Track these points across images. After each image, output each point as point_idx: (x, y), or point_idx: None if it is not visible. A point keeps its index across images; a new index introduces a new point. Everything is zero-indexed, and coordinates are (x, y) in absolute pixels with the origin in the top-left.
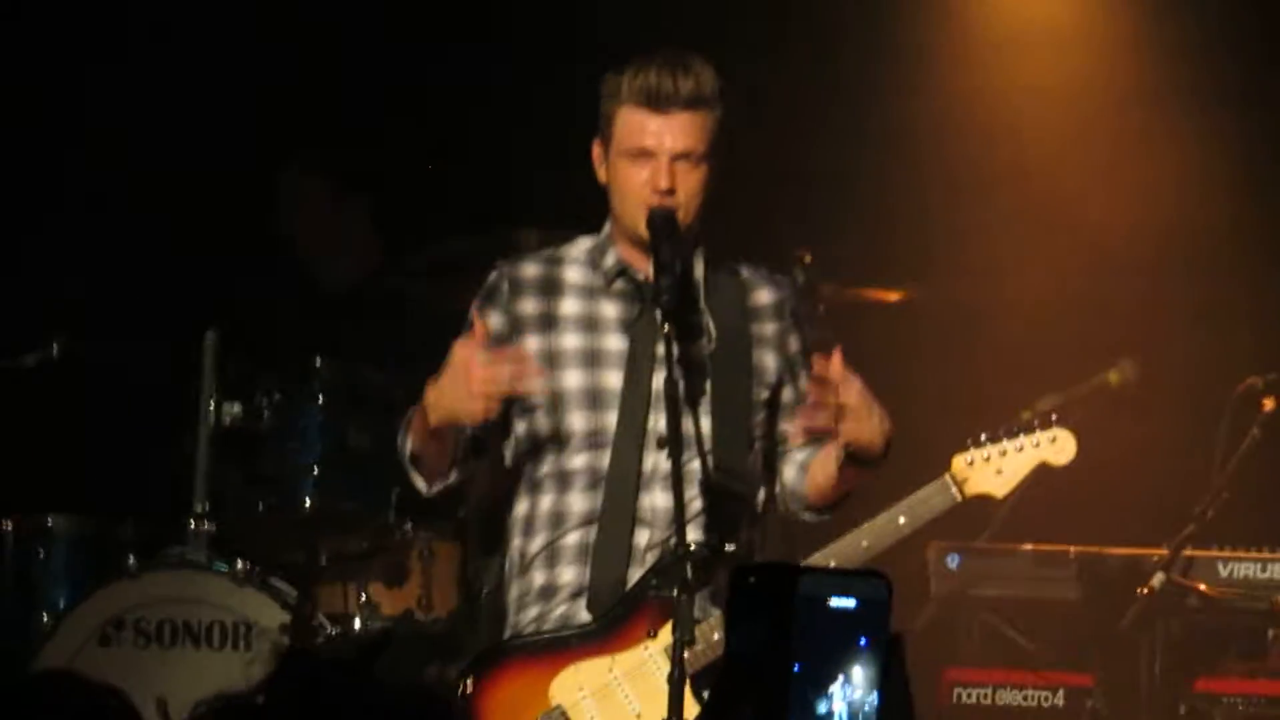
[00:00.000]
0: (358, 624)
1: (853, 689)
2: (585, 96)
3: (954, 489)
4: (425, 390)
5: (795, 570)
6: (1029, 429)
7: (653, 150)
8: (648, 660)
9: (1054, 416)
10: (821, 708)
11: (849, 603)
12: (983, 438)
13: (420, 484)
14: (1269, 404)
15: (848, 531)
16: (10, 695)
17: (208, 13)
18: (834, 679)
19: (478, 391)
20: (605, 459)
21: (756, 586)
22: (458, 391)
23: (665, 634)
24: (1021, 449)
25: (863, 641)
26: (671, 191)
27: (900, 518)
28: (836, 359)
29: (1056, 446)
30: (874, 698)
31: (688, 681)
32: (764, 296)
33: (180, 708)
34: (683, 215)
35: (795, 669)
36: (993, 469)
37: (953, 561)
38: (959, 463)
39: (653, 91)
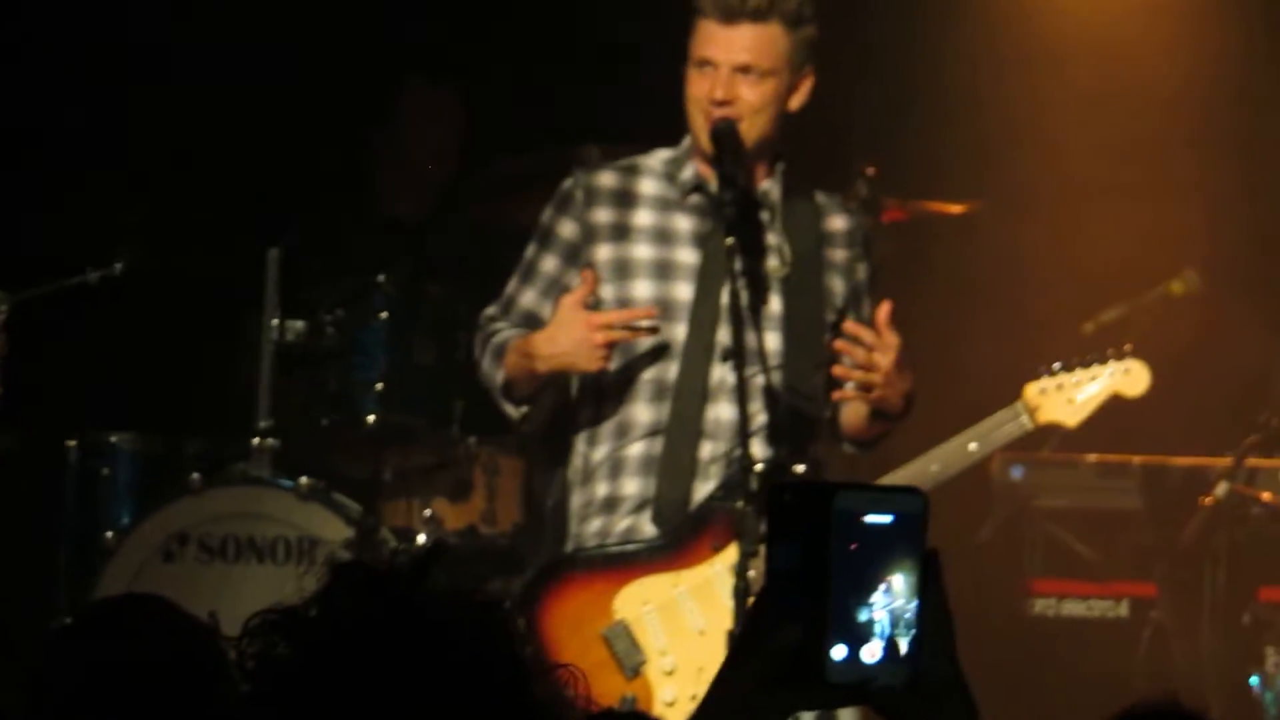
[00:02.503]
0: (421, 539)
1: (893, 598)
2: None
3: (1025, 417)
4: (529, 341)
5: (831, 487)
6: (1102, 359)
7: (715, 61)
8: (713, 576)
9: (1127, 347)
10: (863, 615)
11: (885, 518)
12: (1056, 366)
13: (511, 411)
14: None
15: (917, 456)
16: (103, 613)
17: None
18: (874, 589)
19: (599, 344)
20: (671, 371)
21: (793, 504)
22: (574, 346)
23: (731, 550)
24: (1095, 378)
25: (900, 553)
26: (727, 103)
27: (971, 444)
28: (883, 313)
29: (1130, 377)
30: (914, 605)
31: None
32: (837, 223)
33: (239, 623)
34: (746, 128)
35: (834, 582)
36: (1065, 398)
37: (1016, 473)
38: (1032, 390)
39: (722, 2)
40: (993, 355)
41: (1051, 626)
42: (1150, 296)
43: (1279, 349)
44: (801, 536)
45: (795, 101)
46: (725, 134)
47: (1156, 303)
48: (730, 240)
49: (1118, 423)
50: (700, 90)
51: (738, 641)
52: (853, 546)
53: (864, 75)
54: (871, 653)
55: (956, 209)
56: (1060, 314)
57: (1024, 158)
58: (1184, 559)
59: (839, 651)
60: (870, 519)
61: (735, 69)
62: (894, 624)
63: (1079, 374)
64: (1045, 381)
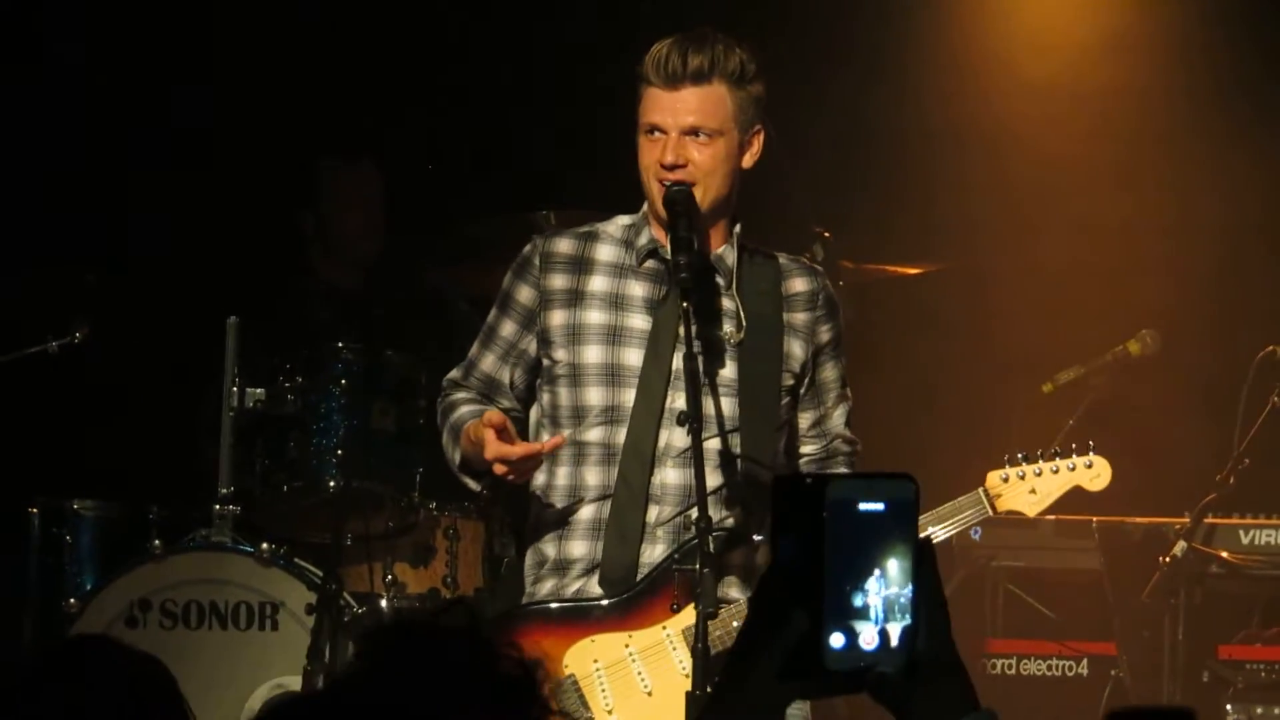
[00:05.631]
0: (384, 604)
1: (887, 583)
2: (617, 82)
3: (986, 504)
4: (476, 442)
5: (825, 477)
6: (1065, 453)
7: (663, 126)
8: (664, 640)
9: (1091, 444)
10: (858, 601)
11: (878, 505)
12: (1020, 456)
13: (472, 485)
14: None
15: None
16: (52, 655)
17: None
18: (869, 575)
19: (501, 474)
20: (621, 435)
21: (790, 497)
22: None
23: (688, 612)
24: (1057, 471)
25: (893, 539)
26: (678, 167)
27: (930, 526)
28: None
29: (1092, 472)
30: (909, 590)
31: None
32: (799, 285)
33: (202, 688)
34: (701, 193)
35: (830, 570)
36: (1027, 488)
37: (976, 533)
38: (994, 479)
39: (663, 67)
40: (950, 413)
41: (1012, 685)
42: (1108, 357)
43: (1235, 407)
44: (798, 528)
45: (748, 159)
46: (679, 199)
47: (1114, 363)
48: (685, 305)
49: None
50: (651, 157)
51: (742, 636)
52: (847, 534)
53: (820, 138)
54: (868, 639)
55: (912, 271)
56: (1019, 373)
57: (981, 224)
58: (1143, 617)
59: (837, 639)
60: (864, 506)
61: (683, 132)
62: (888, 610)
63: (1041, 465)
64: (1008, 470)
